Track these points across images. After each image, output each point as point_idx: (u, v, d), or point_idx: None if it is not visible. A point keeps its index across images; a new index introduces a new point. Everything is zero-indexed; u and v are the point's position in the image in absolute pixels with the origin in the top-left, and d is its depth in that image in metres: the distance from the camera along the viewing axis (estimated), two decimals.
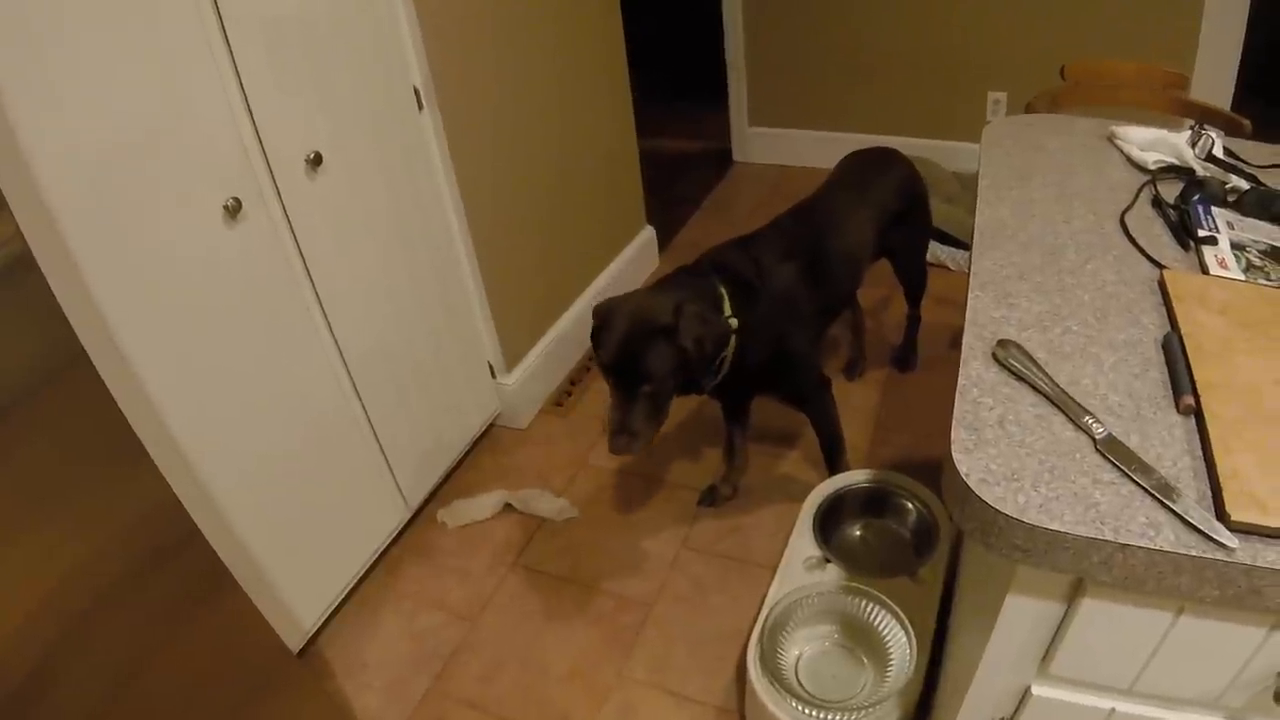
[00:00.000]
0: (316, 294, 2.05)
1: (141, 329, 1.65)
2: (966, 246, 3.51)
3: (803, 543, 2.04)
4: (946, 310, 3.29)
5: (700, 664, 2.16)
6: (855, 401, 2.91)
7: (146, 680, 1.32)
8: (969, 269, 1.33)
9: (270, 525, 2.03)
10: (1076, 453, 0.94)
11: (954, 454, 0.95)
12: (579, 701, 2.11)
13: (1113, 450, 0.92)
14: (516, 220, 2.73)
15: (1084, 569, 0.87)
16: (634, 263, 3.53)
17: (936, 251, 3.54)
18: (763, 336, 2.06)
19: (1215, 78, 3.57)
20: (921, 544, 2.09)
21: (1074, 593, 0.97)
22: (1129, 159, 1.66)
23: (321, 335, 2.10)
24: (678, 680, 2.14)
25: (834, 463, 2.38)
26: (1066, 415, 0.99)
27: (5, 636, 1.09)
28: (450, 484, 2.74)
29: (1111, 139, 1.73)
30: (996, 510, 0.87)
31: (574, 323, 3.10)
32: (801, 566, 1.98)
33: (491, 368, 2.80)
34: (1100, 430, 0.94)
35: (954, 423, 1.00)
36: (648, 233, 3.65)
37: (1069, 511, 0.87)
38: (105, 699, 1.25)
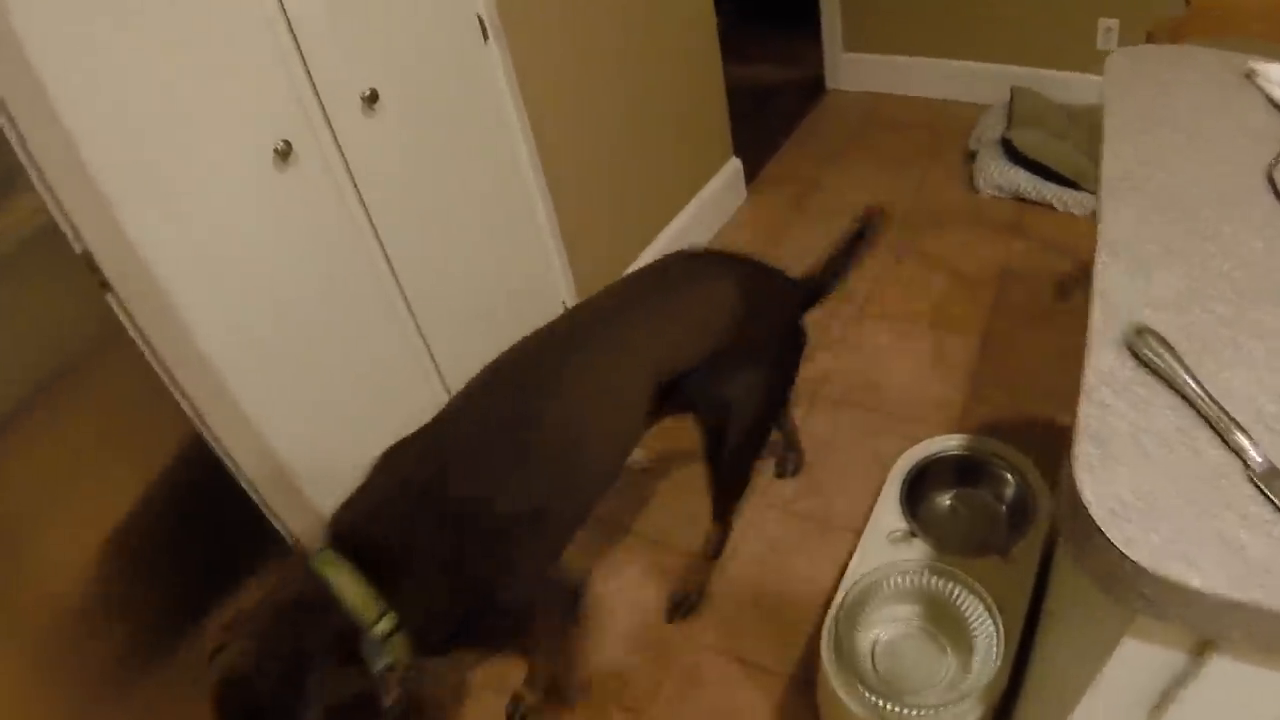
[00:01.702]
0: (378, 239, 1.95)
1: (189, 283, 1.58)
2: (1076, 185, 3.27)
3: (888, 513, 1.90)
4: (1051, 257, 3.07)
5: (774, 631, 2.05)
6: (952, 352, 2.73)
7: None
8: (1097, 226, 1.15)
9: (329, 477, 1.96)
10: (1223, 480, 0.78)
11: (1076, 473, 0.80)
12: (641, 666, 2.03)
13: (1272, 485, 0.76)
14: (590, 154, 2.59)
15: (1220, 630, 0.73)
16: (719, 197, 3.37)
17: (1043, 190, 3.30)
18: (448, 612, 1.47)
19: None
20: (1016, 518, 1.94)
21: (1203, 647, 0.82)
22: (1272, 101, 1.44)
23: (384, 281, 2.00)
24: (749, 647, 2.04)
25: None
26: (1214, 429, 0.82)
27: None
28: None
29: (1251, 77, 1.50)
30: (1124, 555, 0.73)
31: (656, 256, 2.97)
32: (885, 539, 1.85)
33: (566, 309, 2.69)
34: (1257, 457, 0.78)
35: (1077, 431, 0.84)
36: (734, 165, 3.47)
37: (1209, 560, 0.71)
38: None
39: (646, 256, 2.95)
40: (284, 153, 1.67)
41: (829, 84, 4.32)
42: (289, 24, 1.64)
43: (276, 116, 1.66)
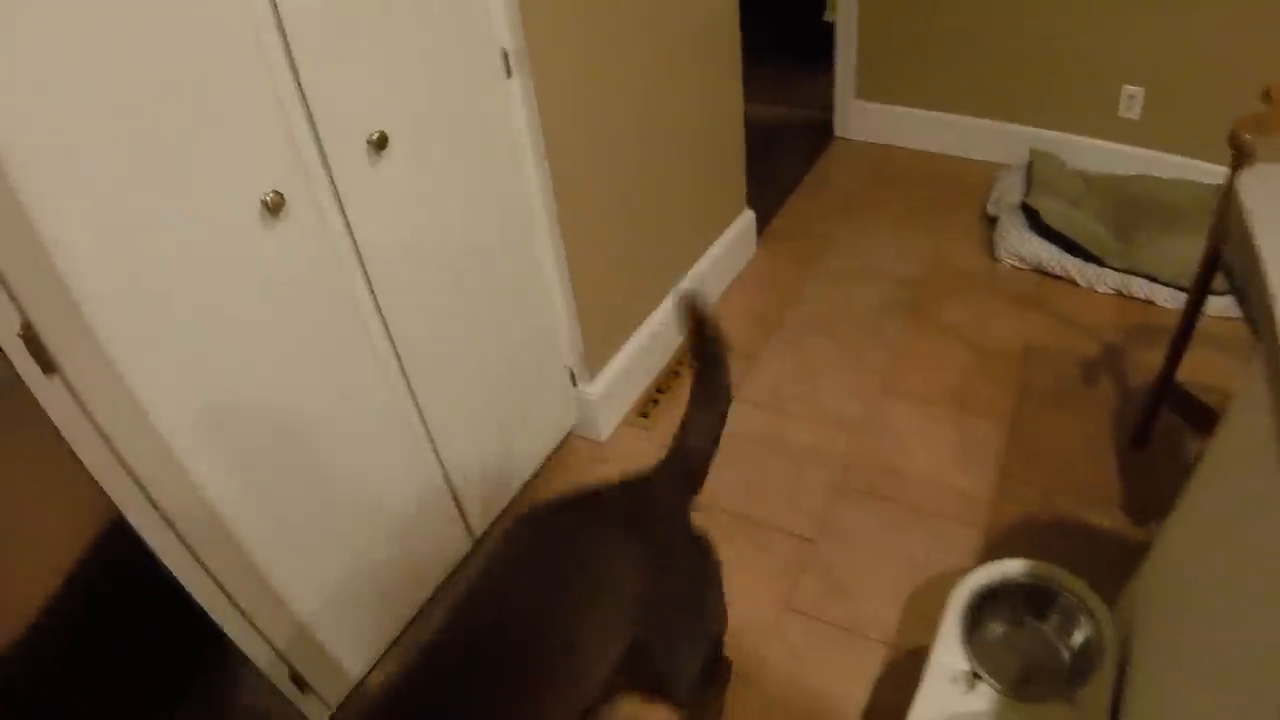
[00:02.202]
0: (375, 299, 1.71)
1: (151, 352, 1.32)
2: (1093, 258, 3.12)
3: (948, 651, 1.71)
4: (1075, 335, 2.91)
5: None
6: (978, 438, 2.55)
7: None
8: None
9: (313, 571, 1.73)
10: None
11: None
12: None
13: None
14: (607, 203, 2.36)
15: None
16: (731, 250, 3.16)
17: (1066, 264, 3.15)
18: None
19: None
20: (1080, 657, 1.76)
21: None
22: None
23: (377, 344, 1.76)
24: None
25: None
26: None
27: None
28: (517, 505, 2.42)
29: None
30: None
31: (665, 320, 2.76)
32: (948, 681, 1.66)
33: (572, 374, 2.47)
34: None
35: None
36: (747, 217, 3.27)
37: None
38: None
39: (659, 315, 2.74)
40: (274, 205, 1.43)
41: (837, 130, 4.14)
42: (287, 48, 1.39)
43: (267, 161, 1.42)
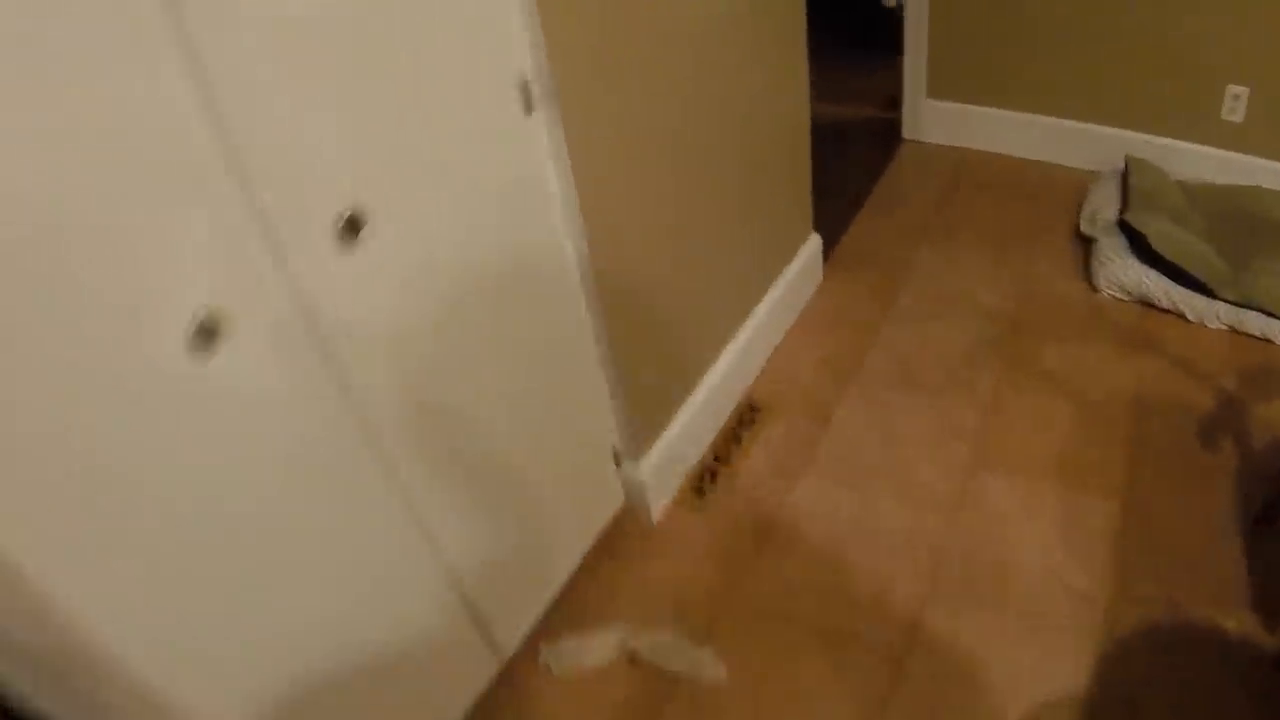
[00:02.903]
0: (367, 428, 1.41)
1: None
2: (1203, 288, 2.74)
3: None
4: (1187, 382, 2.56)
5: None
6: (1088, 520, 2.21)
7: None
8: None
9: None
10: None
11: None
12: None
13: None
14: (652, 251, 2.02)
15: None
16: (796, 285, 2.80)
17: (1175, 298, 2.77)
18: None
19: None
20: None
21: None
22: None
23: (368, 477, 1.45)
24: None
25: None
26: None
27: None
28: (558, 605, 2.10)
29: None
30: None
31: (724, 376, 2.41)
32: None
33: (616, 454, 2.14)
34: None
35: None
36: (814, 243, 2.90)
37: None
38: None
39: (717, 372, 2.40)
40: (208, 329, 1.10)
41: (906, 133, 3.74)
42: (214, 103, 1.05)
43: (191, 268, 1.08)
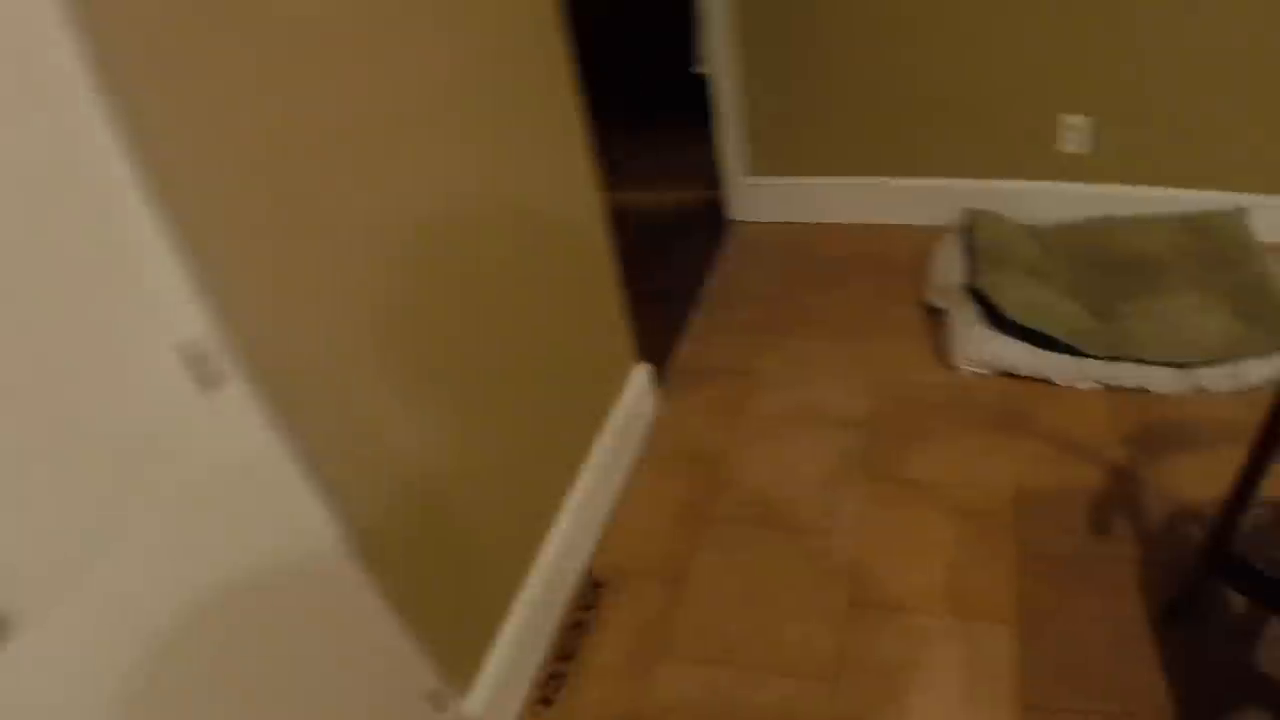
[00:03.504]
0: None
1: None
2: (1070, 348, 2.53)
3: None
4: (1067, 460, 2.33)
5: None
6: (985, 652, 1.93)
7: None
8: None
9: None
10: None
11: None
12: None
13: None
14: (431, 474, 1.65)
15: None
16: (628, 429, 2.47)
17: (1041, 366, 2.55)
18: None
19: None
20: None
21: None
22: None
23: None
24: None
25: None
26: None
27: None
28: None
29: None
30: None
31: (555, 558, 2.08)
32: None
33: (437, 697, 1.78)
34: None
35: None
36: (641, 375, 2.58)
37: None
38: None
39: (546, 562, 2.06)
40: None
41: (733, 214, 3.49)
42: None
43: None
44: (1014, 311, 2.56)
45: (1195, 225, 2.88)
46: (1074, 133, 2.98)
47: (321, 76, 1.25)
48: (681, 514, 2.35)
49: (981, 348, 2.58)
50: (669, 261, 3.30)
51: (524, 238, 1.88)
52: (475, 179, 1.67)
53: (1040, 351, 2.55)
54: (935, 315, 2.84)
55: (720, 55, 3.09)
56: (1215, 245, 2.79)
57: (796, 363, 2.77)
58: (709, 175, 3.46)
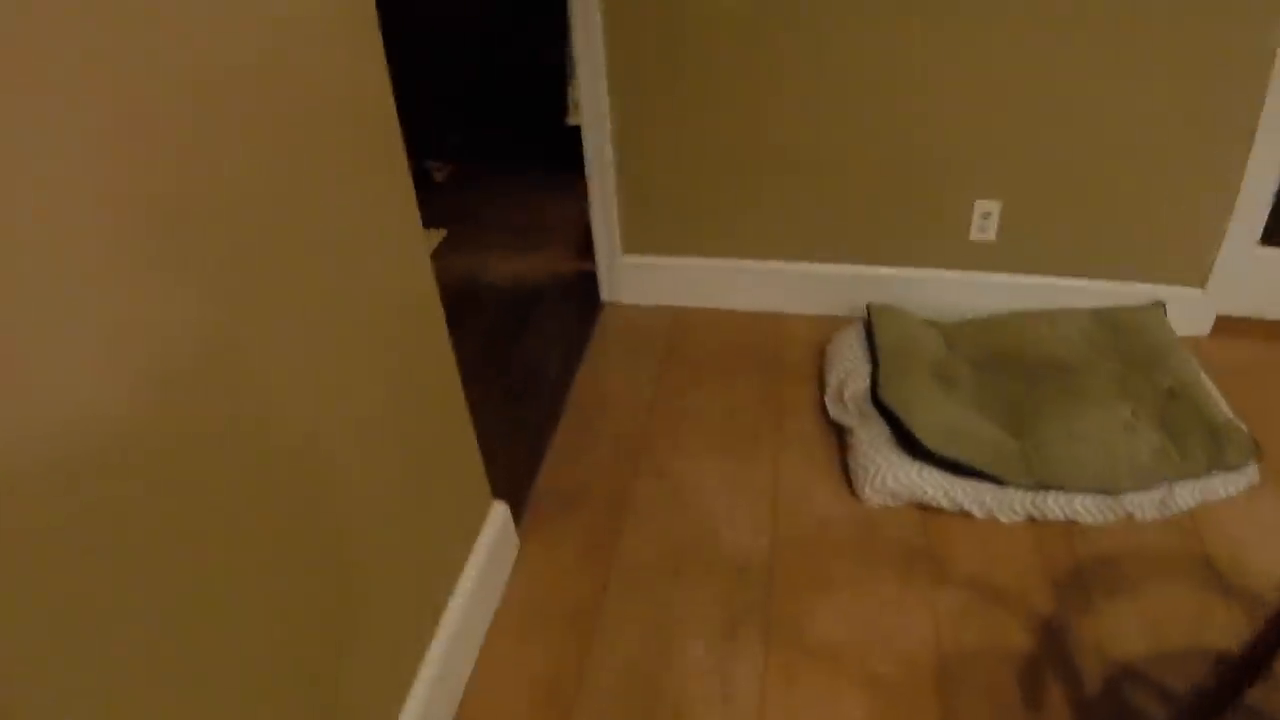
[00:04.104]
0: None
1: None
2: (990, 477, 2.21)
3: None
4: (993, 611, 2.00)
5: None
6: None
7: None
8: None
9: None
10: None
11: None
12: None
13: None
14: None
15: None
16: (482, 583, 1.98)
17: (958, 498, 2.22)
18: None
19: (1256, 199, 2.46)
20: None
21: None
22: None
23: None
24: None
25: None
26: None
27: None
28: None
29: None
30: None
31: None
32: None
33: None
34: None
35: None
36: (498, 515, 2.09)
37: None
38: None
39: None
40: None
41: (606, 294, 3.08)
42: None
43: None
44: (927, 438, 2.22)
45: (1112, 321, 2.63)
46: (986, 221, 2.69)
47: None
48: (545, 691, 1.89)
49: (891, 478, 2.23)
50: (531, 348, 2.86)
51: (346, 416, 1.40)
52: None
53: (958, 480, 2.23)
54: (835, 426, 2.48)
55: (592, 108, 2.68)
56: (1135, 345, 2.54)
57: (678, 486, 2.36)
58: (582, 238, 3.03)
